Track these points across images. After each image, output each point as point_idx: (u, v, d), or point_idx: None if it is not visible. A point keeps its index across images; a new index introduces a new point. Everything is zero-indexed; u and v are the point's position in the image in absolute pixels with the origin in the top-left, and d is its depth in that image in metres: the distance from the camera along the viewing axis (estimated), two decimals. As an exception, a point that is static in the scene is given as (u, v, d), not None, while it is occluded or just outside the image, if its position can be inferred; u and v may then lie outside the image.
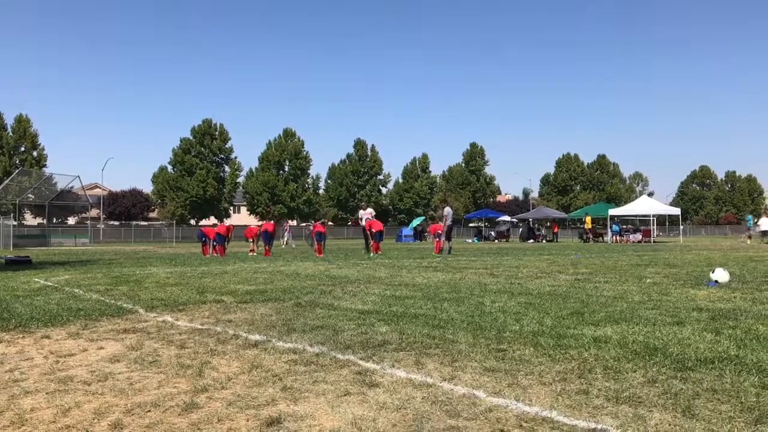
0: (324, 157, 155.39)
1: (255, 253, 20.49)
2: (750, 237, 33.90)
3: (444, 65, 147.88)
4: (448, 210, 20.84)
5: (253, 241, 21.73)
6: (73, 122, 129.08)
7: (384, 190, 79.01)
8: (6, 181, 41.57)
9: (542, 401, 3.06)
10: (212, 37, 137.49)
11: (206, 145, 69.14)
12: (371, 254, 19.23)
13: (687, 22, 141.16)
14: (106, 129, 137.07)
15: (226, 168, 71.58)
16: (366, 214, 21.78)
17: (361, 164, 75.90)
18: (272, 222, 21.03)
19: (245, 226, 25.68)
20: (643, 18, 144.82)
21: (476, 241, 43.89)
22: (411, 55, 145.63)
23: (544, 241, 41.58)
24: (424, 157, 79.80)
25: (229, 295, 7.77)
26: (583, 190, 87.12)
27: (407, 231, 48.06)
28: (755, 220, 35.95)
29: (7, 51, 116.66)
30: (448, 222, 20.36)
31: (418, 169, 79.09)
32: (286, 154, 72.33)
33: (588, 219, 41.52)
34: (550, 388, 3.28)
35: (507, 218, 50.97)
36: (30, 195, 44.47)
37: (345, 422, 2.80)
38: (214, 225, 20.65)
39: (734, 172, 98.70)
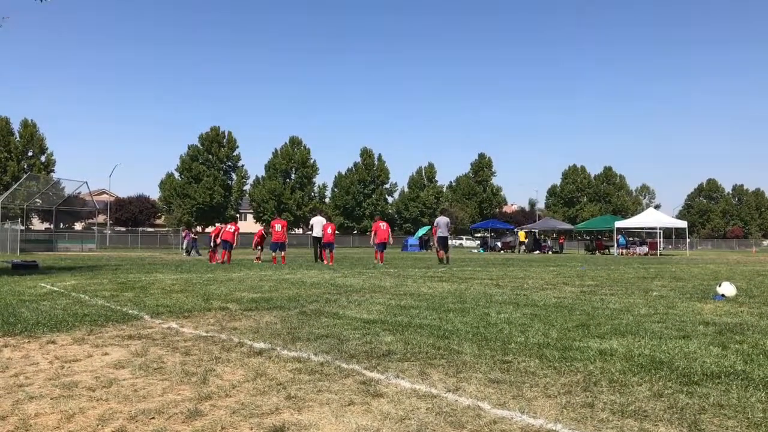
0: (330, 165, 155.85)
1: (260, 261, 20.58)
2: None
3: (453, 76, 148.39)
4: (438, 220, 20.79)
5: (259, 249, 21.92)
6: (81, 128, 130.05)
7: (390, 199, 79.11)
8: (14, 186, 41.81)
9: (547, 414, 3.04)
10: (220, 45, 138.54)
11: (214, 153, 69.46)
12: (376, 263, 19.25)
13: (693, 34, 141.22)
14: (114, 135, 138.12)
15: (233, 175, 71.84)
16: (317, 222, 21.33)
17: (368, 173, 76.07)
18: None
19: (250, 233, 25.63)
20: (650, 30, 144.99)
21: (482, 251, 43.81)
22: (420, 66, 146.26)
23: (550, 252, 41.52)
24: (431, 166, 79.99)
25: (234, 303, 7.78)
26: (590, 201, 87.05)
27: (413, 240, 48.04)
28: None
29: (13, 55, 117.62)
30: (439, 232, 20.33)
31: (424, 178, 79.23)
32: (293, 162, 72.57)
33: (521, 233, 45.02)
34: (555, 401, 3.26)
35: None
36: (37, 200, 44.71)
37: (349, 432, 2.79)
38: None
39: (742, 185, 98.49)
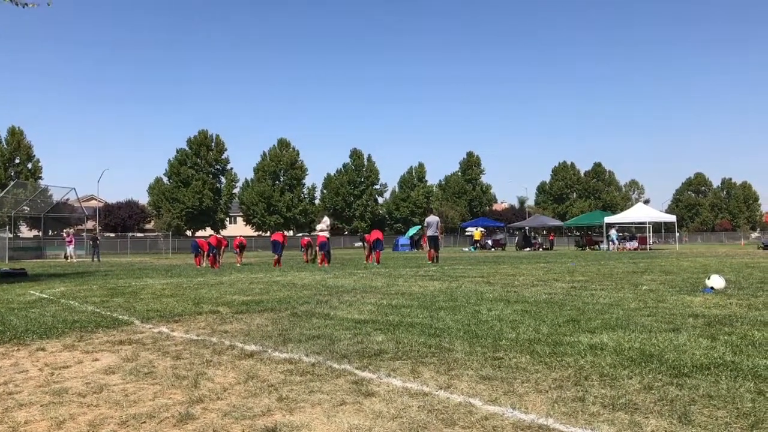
0: (320, 166, 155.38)
1: (240, 264, 20.57)
2: None
3: (440, 75, 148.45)
4: (428, 219, 20.99)
5: (239, 252, 21.87)
6: (68, 134, 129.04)
7: (380, 200, 79.15)
8: (1, 194, 41.47)
9: (538, 409, 3.05)
10: (208, 47, 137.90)
11: (202, 156, 69.22)
12: (367, 263, 19.28)
13: (683, 29, 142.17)
14: (102, 140, 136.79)
15: (222, 179, 71.63)
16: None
17: (358, 174, 76.05)
18: (281, 232, 21.08)
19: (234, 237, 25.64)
20: (639, 25, 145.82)
21: (472, 249, 43.90)
22: (408, 66, 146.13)
23: (540, 249, 41.69)
24: (421, 166, 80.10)
25: (224, 306, 7.75)
26: (579, 198, 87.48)
27: (404, 240, 48.12)
28: None
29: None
30: (429, 232, 20.57)
31: (414, 178, 79.30)
32: (282, 164, 72.44)
33: (477, 232, 45.98)
34: (546, 396, 3.28)
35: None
36: (25, 207, 44.37)
37: (341, 432, 2.79)
38: (208, 236, 21.18)
39: (730, 179, 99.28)
